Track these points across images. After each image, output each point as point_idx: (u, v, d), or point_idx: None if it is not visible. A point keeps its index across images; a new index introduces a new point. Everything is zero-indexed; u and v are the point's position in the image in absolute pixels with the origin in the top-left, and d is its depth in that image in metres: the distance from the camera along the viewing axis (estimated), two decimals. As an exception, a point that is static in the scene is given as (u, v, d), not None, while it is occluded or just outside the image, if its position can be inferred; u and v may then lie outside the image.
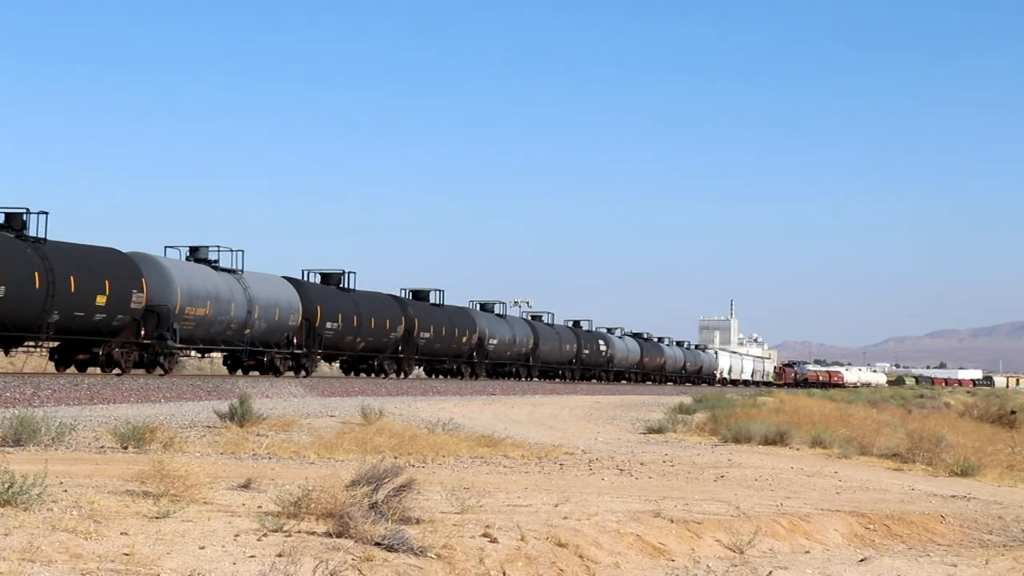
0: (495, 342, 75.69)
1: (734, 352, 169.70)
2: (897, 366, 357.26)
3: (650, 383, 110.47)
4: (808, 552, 16.29)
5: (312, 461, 21.90)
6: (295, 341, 53.48)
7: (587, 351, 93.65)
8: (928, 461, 30.64)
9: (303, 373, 53.75)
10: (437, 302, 70.30)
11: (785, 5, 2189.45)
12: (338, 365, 63.99)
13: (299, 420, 29.38)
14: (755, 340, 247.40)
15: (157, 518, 12.85)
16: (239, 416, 27.08)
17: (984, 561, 15.73)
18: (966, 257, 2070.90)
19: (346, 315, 56.97)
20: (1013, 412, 54.61)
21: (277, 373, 51.77)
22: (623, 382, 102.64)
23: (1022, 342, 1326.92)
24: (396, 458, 22.36)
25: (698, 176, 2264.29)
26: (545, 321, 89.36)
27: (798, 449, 33.18)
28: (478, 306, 78.60)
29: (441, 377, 71.37)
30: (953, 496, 23.02)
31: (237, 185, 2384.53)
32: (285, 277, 54.75)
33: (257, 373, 51.46)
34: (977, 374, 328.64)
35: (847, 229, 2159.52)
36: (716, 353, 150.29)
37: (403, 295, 68.07)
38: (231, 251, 50.37)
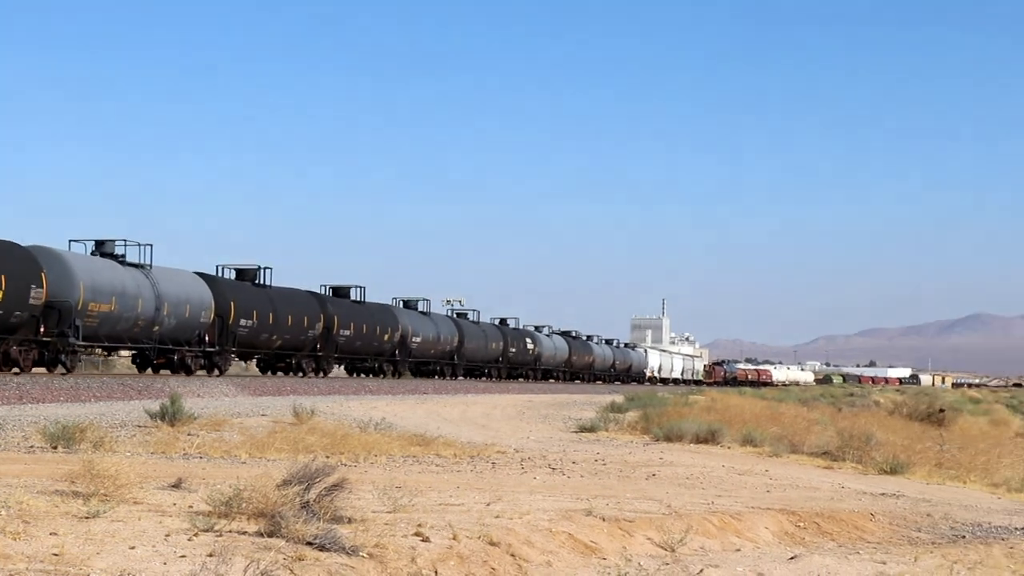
0: (418, 340, 74.27)
1: (664, 351, 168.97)
2: (828, 364, 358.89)
3: (579, 382, 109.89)
4: (739, 550, 16.36)
5: (243, 460, 21.83)
6: (207, 339, 51.74)
7: (514, 349, 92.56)
8: (858, 459, 30.81)
9: (216, 372, 52.06)
10: (358, 299, 68.62)
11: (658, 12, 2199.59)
12: (255, 364, 62.23)
13: (230, 419, 29.28)
14: (687, 339, 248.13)
15: (87, 518, 12.77)
16: (170, 415, 26.96)
17: (913, 558, 15.84)
18: (897, 257, 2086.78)
19: (261, 312, 55.31)
20: (942, 410, 54.99)
21: (188, 372, 50.35)
22: (551, 380, 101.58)
23: (950, 341, 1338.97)
24: (328, 457, 22.31)
25: (629, 176, 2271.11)
26: (471, 319, 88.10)
27: (729, 447, 33.29)
28: (401, 303, 77.06)
29: (364, 376, 69.58)
30: (882, 494, 23.18)
31: (153, 178, 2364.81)
32: (197, 273, 53.00)
33: (168, 372, 49.74)
34: (906, 372, 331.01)
35: (778, 230, 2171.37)
36: (646, 351, 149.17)
37: (323, 292, 66.55)
38: (139, 245, 48.52)
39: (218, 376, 50.07)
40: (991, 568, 15.14)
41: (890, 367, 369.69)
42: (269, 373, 60.01)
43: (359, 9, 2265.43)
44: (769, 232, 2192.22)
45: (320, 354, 61.86)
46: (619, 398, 57.17)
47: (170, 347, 49.52)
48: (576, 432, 37.14)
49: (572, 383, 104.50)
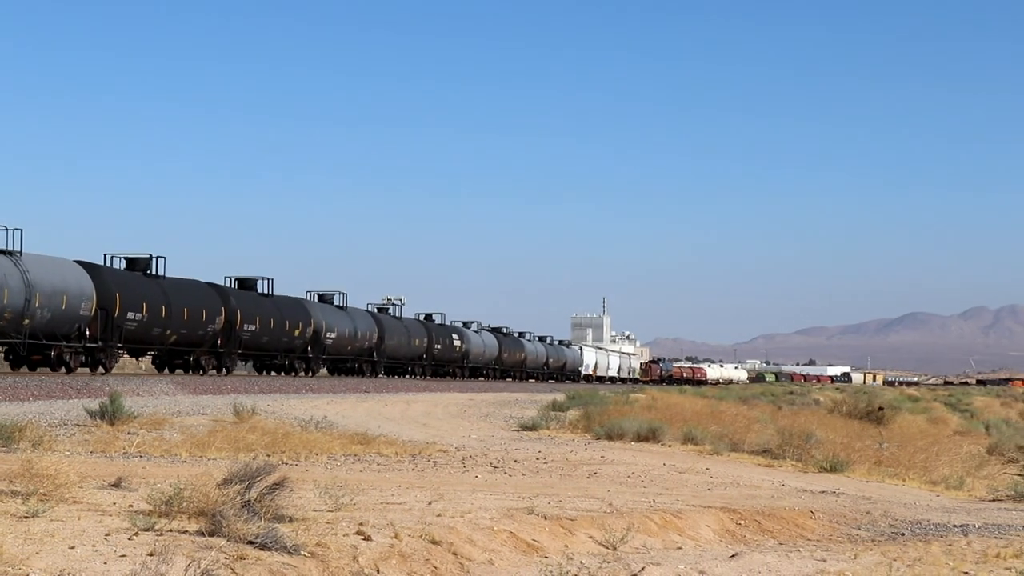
0: (334, 335, 70.61)
1: (600, 348, 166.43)
2: (767, 363, 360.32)
3: (510, 380, 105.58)
4: (680, 548, 16.40)
5: (184, 459, 21.75)
6: (89, 333, 46.96)
7: (439, 346, 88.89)
8: (798, 457, 30.94)
9: (100, 370, 47.83)
10: (265, 291, 64.46)
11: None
12: (150, 361, 58.18)
13: (170, 418, 29.16)
14: (627, 337, 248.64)
15: (26, 517, 12.69)
16: (110, 414, 26.82)
17: (853, 556, 15.92)
18: (835, 257, 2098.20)
19: (152, 304, 50.95)
20: (881, 408, 55.32)
21: (69, 369, 45.87)
22: (480, 379, 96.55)
23: (888, 339, 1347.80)
24: (269, 456, 22.26)
25: (569, 173, 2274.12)
26: (392, 314, 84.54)
27: (670, 446, 33.37)
28: (315, 297, 73.20)
29: (273, 374, 65.74)
30: (823, 492, 23.29)
31: (46, 165, 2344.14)
32: (78, 261, 48.13)
33: (48, 369, 45.36)
34: (845, 370, 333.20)
35: (719, 228, 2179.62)
36: (581, 349, 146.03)
37: (228, 283, 61.87)
38: (6, 230, 43.77)
39: (91, 374, 46.45)
40: (930, 565, 15.23)
41: (829, 365, 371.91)
42: (166, 371, 55.81)
43: None
44: (709, 231, 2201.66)
45: (221, 350, 57.75)
46: (560, 396, 57.21)
47: (44, 342, 44.71)
48: (518, 431, 37.16)
49: (503, 381, 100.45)
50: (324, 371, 73.73)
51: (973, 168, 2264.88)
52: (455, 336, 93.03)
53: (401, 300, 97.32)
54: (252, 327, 60.00)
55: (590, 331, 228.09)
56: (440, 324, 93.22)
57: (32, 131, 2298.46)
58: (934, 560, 15.60)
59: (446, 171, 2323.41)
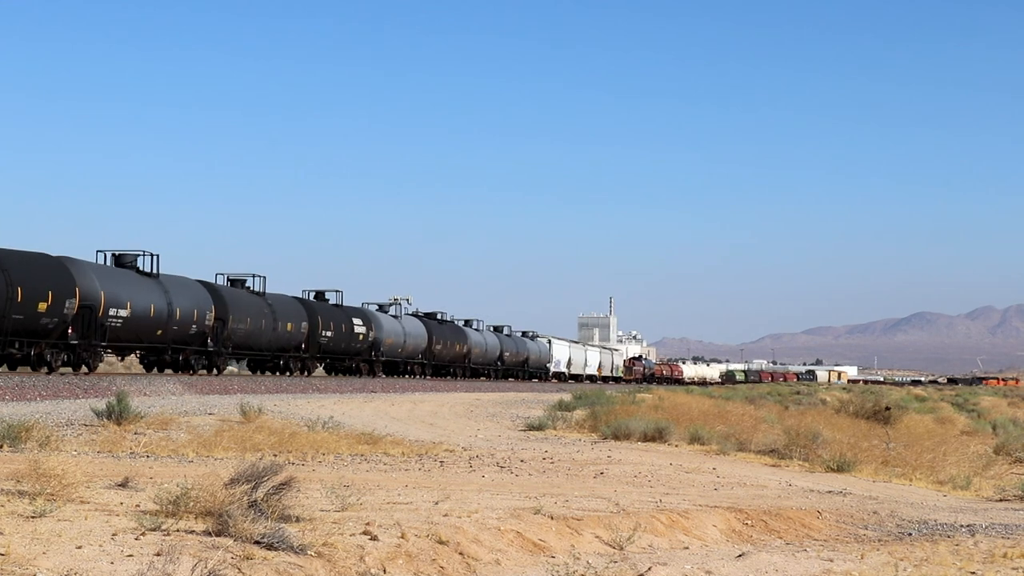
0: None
1: (574, 343, 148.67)
2: (774, 363, 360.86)
3: (449, 378, 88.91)
4: (687, 548, 16.40)
5: (191, 459, 21.75)
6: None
7: (330, 333, 74.67)
8: (805, 457, 30.91)
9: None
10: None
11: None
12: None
13: (177, 418, 29.17)
14: (634, 337, 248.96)
15: (33, 517, 12.70)
16: (117, 414, 26.81)
17: (859, 555, 15.92)
18: (843, 256, 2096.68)
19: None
20: (887, 408, 55.27)
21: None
22: (406, 377, 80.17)
23: (895, 339, 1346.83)
24: (276, 456, 22.27)
25: (579, 174, 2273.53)
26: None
27: (677, 446, 33.35)
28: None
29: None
30: (829, 492, 23.27)
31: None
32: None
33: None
34: (853, 370, 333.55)
35: (727, 229, 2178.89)
36: (550, 342, 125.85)
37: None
38: None
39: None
40: (937, 565, 15.22)
41: (836, 365, 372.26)
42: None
43: None
44: (717, 232, 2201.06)
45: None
46: (567, 396, 57.20)
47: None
48: (524, 430, 37.15)
49: (442, 379, 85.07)
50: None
51: (980, 168, 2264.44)
52: (357, 319, 73.83)
53: (408, 299, 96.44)
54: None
55: (597, 331, 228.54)
56: (335, 304, 74.32)
57: (11, 126, 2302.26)
58: (941, 560, 15.60)
59: (452, 171, 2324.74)
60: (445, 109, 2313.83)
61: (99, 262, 49.88)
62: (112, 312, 47.01)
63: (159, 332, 50.91)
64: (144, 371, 54.12)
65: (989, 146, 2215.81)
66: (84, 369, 46.00)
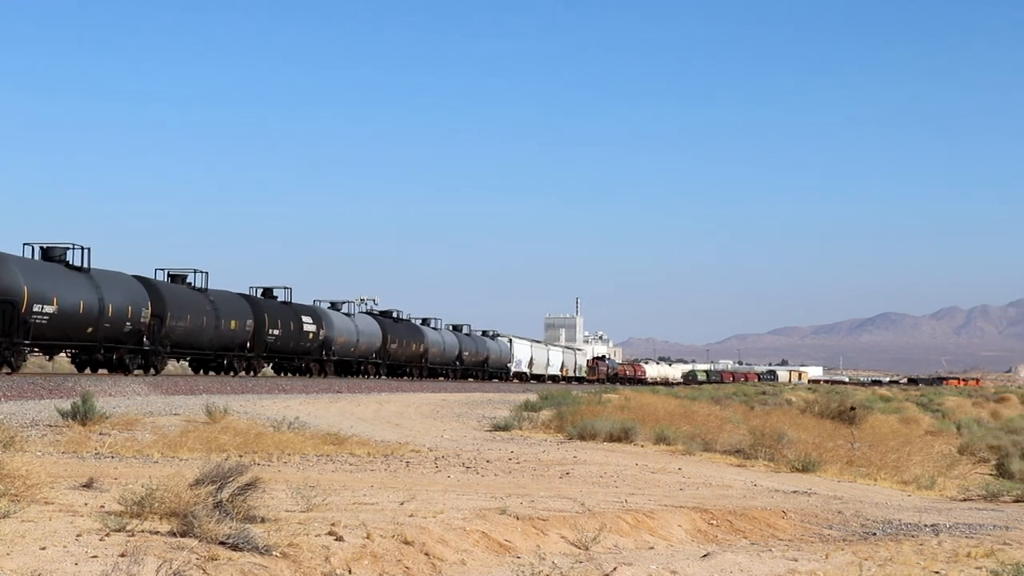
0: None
1: (536, 342, 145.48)
2: (740, 363, 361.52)
3: (406, 378, 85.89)
4: (652, 548, 16.42)
5: (156, 460, 21.70)
6: None
7: (277, 332, 70.64)
8: (770, 457, 30.99)
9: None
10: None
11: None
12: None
13: (143, 418, 29.09)
14: (600, 337, 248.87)
15: (-4, 518, 12.65)
16: (82, 415, 26.72)
17: (824, 555, 15.97)
18: (809, 257, 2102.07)
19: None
20: (853, 409, 55.41)
21: None
22: (360, 377, 78.13)
23: (861, 339, 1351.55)
24: (241, 457, 22.21)
25: (544, 174, 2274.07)
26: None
27: (643, 446, 33.39)
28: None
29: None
30: (794, 492, 23.33)
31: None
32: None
33: None
34: (817, 371, 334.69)
35: (693, 229, 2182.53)
36: (511, 341, 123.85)
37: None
38: None
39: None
40: (901, 565, 15.28)
41: (802, 365, 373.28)
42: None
43: None
44: (683, 232, 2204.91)
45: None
46: (533, 396, 57.22)
47: None
48: (491, 431, 37.16)
49: (399, 379, 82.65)
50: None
51: (947, 170, 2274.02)
52: (306, 319, 71.69)
53: (375, 300, 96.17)
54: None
55: (563, 331, 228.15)
56: (282, 302, 71.52)
57: None
58: (905, 560, 15.66)
59: (418, 171, 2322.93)
60: (412, 108, 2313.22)
61: (25, 256, 47.17)
62: (37, 308, 44.21)
63: (90, 330, 48.18)
64: (76, 371, 51.49)
65: (958, 149, 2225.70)
66: (7, 369, 43.34)
